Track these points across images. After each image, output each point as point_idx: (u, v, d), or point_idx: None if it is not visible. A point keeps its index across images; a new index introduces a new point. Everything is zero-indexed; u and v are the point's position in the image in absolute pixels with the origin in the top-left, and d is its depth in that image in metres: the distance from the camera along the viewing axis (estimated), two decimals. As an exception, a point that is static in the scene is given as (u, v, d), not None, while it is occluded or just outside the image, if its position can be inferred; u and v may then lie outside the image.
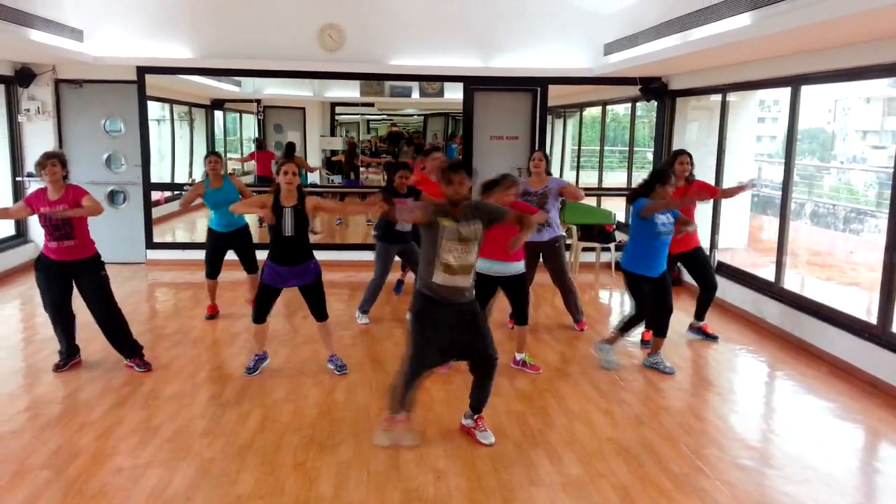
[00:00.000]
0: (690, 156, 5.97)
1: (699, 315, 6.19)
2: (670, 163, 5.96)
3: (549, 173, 6.16)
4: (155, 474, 3.70)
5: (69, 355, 5.20)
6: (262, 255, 6.23)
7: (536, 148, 9.06)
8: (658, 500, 3.55)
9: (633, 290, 5.36)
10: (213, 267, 6.49)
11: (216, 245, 6.46)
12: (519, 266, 5.08)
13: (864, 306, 7.53)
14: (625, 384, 5.11)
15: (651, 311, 5.31)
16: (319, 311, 5.11)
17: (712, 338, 6.15)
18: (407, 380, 3.96)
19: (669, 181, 5.15)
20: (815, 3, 4.51)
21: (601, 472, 3.82)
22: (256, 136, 9.92)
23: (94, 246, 5.11)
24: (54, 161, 4.90)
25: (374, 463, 3.87)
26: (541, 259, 6.22)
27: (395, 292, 7.51)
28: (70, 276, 5.00)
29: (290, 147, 9.71)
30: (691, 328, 6.27)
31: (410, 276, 7.19)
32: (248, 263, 6.60)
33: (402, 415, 4.05)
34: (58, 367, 5.14)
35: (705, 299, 6.10)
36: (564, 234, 6.36)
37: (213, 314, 6.57)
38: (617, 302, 7.98)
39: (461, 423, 4.29)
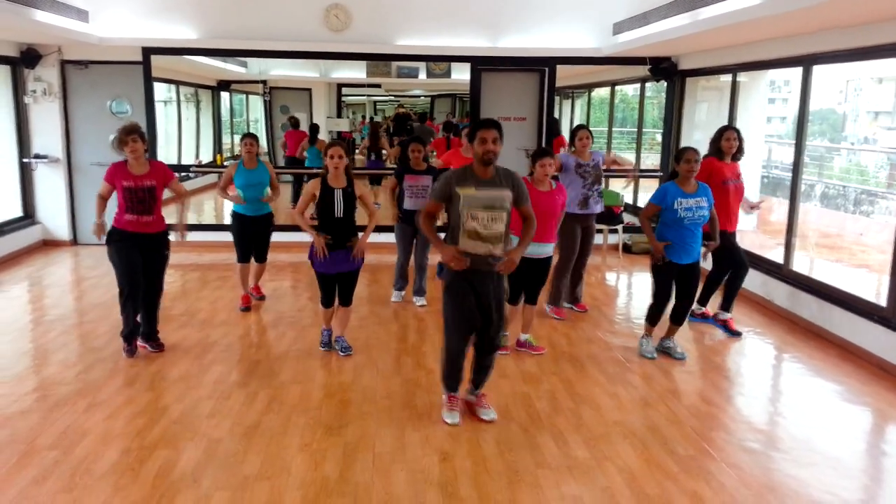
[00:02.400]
0: (738, 131, 5.70)
1: (726, 305, 5.89)
2: (716, 139, 5.70)
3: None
4: (162, 455, 3.72)
5: (132, 333, 5.04)
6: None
7: (546, 128, 9.01)
8: (664, 483, 3.55)
9: (655, 272, 5.17)
10: (245, 250, 6.17)
11: (244, 229, 6.13)
12: (549, 249, 5.09)
13: (874, 289, 7.49)
14: (631, 367, 5.10)
15: (665, 295, 5.18)
16: (348, 295, 5.12)
17: (736, 334, 5.80)
18: (451, 357, 4.06)
19: (683, 157, 4.94)
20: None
21: (607, 455, 3.82)
22: (290, 115, 9.87)
23: (164, 221, 5.11)
24: (135, 137, 4.80)
25: (380, 444, 3.88)
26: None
27: (437, 276, 7.45)
28: (142, 248, 4.94)
29: (314, 128, 9.66)
30: (715, 319, 5.98)
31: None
32: (263, 252, 6.29)
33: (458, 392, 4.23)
34: (130, 353, 5.04)
35: (734, 284, 5.82)
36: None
37: (247, 306, 6.27)
38: (624, 284, 7.95)
39: (465, 398, 4.30)
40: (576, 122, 11.24)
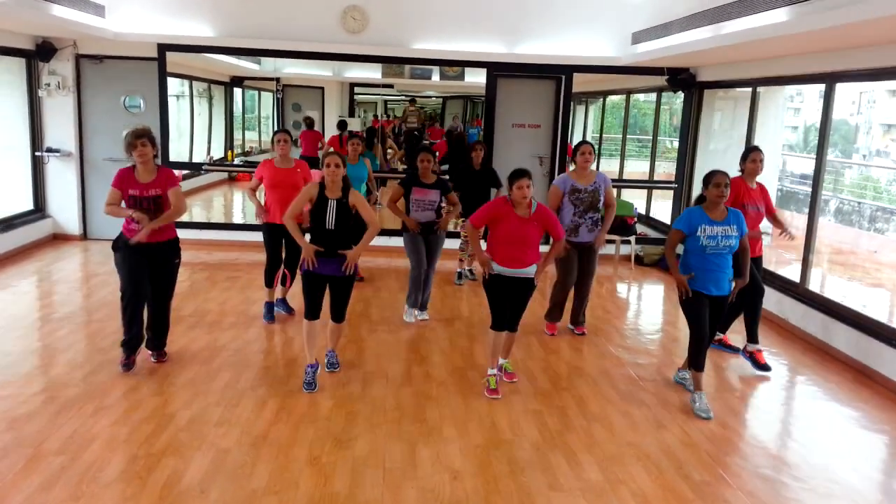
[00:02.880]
0: (761, 152, 5.42)
1: (751, 335, 5.50)
2: (742, 160, 5.40)
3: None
4: (170, 464, 3.67)
5: (131, 343, 4.81)
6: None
7: (560, 136, 8.93)
8: (678, 510, 3.49)
9: (684, 308, 4.76)
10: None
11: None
12: (527, 271, 4.69)
13: (889, 309, 7.41)
14: (644, 385, 5.03)
15: (700, 330, 4.69)
16: (341, 309, 4.81)
17: (765, 368, 5.41)
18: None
19: (712, 181, 4.54)
20: (858, 1, 4.35)
21: (621, 477, 3.75)
22: (305, 115, 9.80)
23: (175, 229, 4.90)
24: (144, 140, 4.56)
25: (390, 460, 3.82)
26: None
27: (456, 283, 7.49)
28: (149, 257, 4.71)
29: (340, 124, 9.59)
30: (744, 351, 5.57)
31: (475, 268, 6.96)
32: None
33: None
34: (127, 367, 4.80)
35: (753, 311, 5.44)
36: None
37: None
38: (634, 296, 7.88)
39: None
40: (589, 129, 11.21)
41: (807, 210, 6.59)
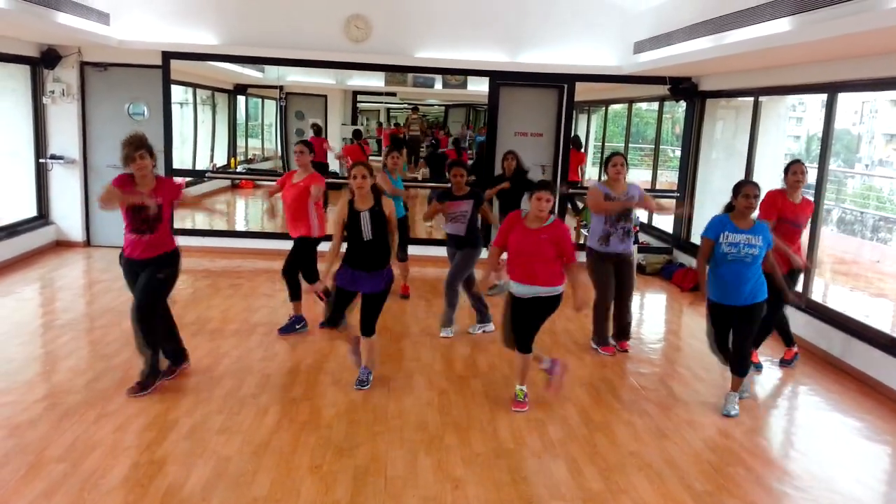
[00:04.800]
0: (803, 165, 5.29)
1: (787, 341, 5.65)
2: (784, 173, 5.31)
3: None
4: (171, 471, 3.67)
5: (151, 374, 4.60)
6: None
7: (562, 145, 8.94)
8: (681, 520, 3.48)
9: (708, 318, 4.82)
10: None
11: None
12: (537, 290, 4.54)
13: (892, 319, 7.40)
14: (646, 394, 5.02)
15: (716, 339, 4.83)
16: (371, 323, 4.73)
17: (756, 367, 5.48)
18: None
19: (741, 191, 4.54)
20: (862, 11, 4.37)
21: (623, 487, 3.74)
22: (312, 122, 9.83)
23: (172, 244, 4.64)
24: (143, 153, 4.35)
25: (392, 469, 3.82)
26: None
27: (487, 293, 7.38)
28: (138, 272, 4.52)
29: (356, 133, 9.59)
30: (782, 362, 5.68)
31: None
32: (402, 252, 6.72)
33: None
34: (132, 391, 4.52)
35: (767, 327, 5.31)
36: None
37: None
38: (637, 305, 7.86)
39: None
40: (591, 137, 11.21)
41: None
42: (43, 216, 8.63)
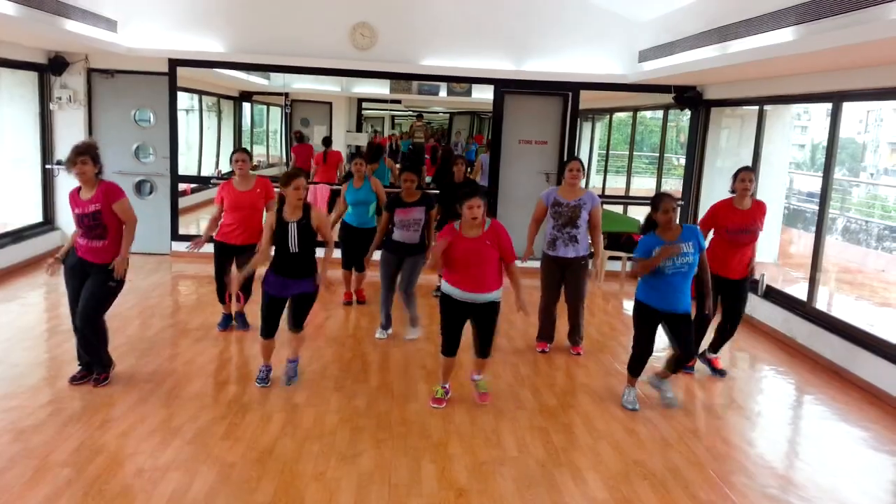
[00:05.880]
0: (754, 172, 5.41)
1: (714, 346, 5.64)
2: (732, 180, 5.35)
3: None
4: (175, 477, 3.67)
5: (86, 368, 4.82)
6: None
7: (566, 153, 8.94)
8: (685, 530, 3.47)
9: (636, 320, 4.83)
10: (351, 258, 6.81)
11: (350, 238, 6.73)
12: (482, 297, 4.53)
13: (897, 329, 7.37)
14: (650, 403, 5.01)
15: (642, 344, 4.83)
16: (300, 319, 4.87)
17: (720, 373, 5.59)
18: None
19: (660, 207, 4.57)
20: (865, 21, 4.38)
21: (627, 496, 3.73)
22: (295, 129, 9.87)
23: (119, 250, 4.69)
24: (85, 158, 4.47)
25: (395, 476, 3.81)
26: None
27: (434, 294, 7.39)
28: (86, 274, 4.64)
29: (326, 141, 9.60)
30: (702, 357, 5.66)
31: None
32: (360, 262, 6.73)
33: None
34: (73, 380, 4.77)
35: (725, 331, 5.53)
36: (589, 253, 5.89)
37: (350, 300, 7.07)
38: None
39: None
40: (596, 145, 11.24)
41: (814, 228, 6.59)
42: (49, 222, 8.67)
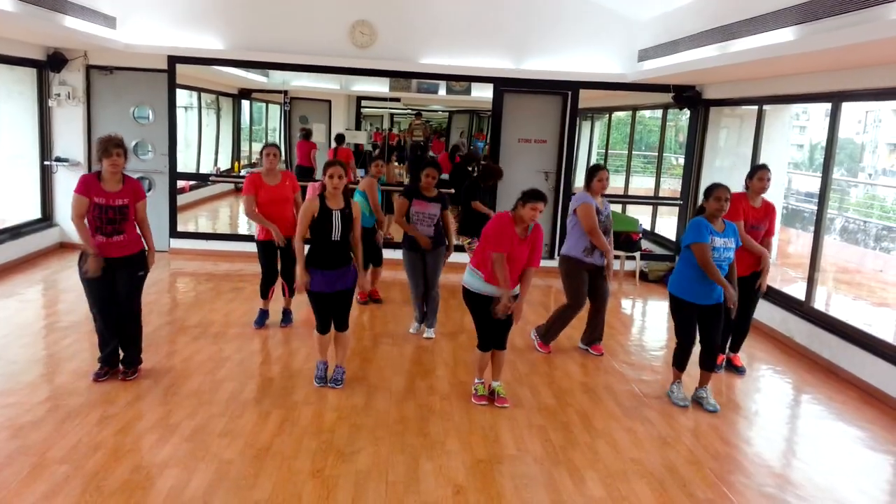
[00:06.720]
0: (770, 171, 5.42)
1: (733, 346, 5.71)
2: (749, 177, 5.41)
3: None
4: (173, 474, 3.67)
5: (107, 360, 4.82)
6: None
7: (567, 152, 8.95)
8: (682, 528, 3.47)
9: (675, 315, 4.93)
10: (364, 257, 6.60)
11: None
12: (515, 290, 4.67)
13: (895, 328, 7.38)
14: (648, 402, 5.02)
15: (686, 336, 4.91)
16: (344, 318, 4.87)
17: (739, 371, 5.69)
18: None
19: (713, 194, 4.66)
20: (866, 21, 4.38)
21: (624, 494, 3.74)
22: (302, 126, 9.86)
23: (141, 241, 4.81)
24: (120, 151, 4.52)
25: (393, 473, 3.81)
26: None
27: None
28: (112, 270, 4.62)
29: (339, 138, 9.61)
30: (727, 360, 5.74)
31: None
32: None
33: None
34: (97, 377, 4.77)
35: (737, 330, 5.59)
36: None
37: (366, 300, 7.06)
38: (639, 312, 7.87)
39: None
40: (595, 144, 11.24)
41: (812, 228, 6.59)
42: (47, 218, 8.66)
